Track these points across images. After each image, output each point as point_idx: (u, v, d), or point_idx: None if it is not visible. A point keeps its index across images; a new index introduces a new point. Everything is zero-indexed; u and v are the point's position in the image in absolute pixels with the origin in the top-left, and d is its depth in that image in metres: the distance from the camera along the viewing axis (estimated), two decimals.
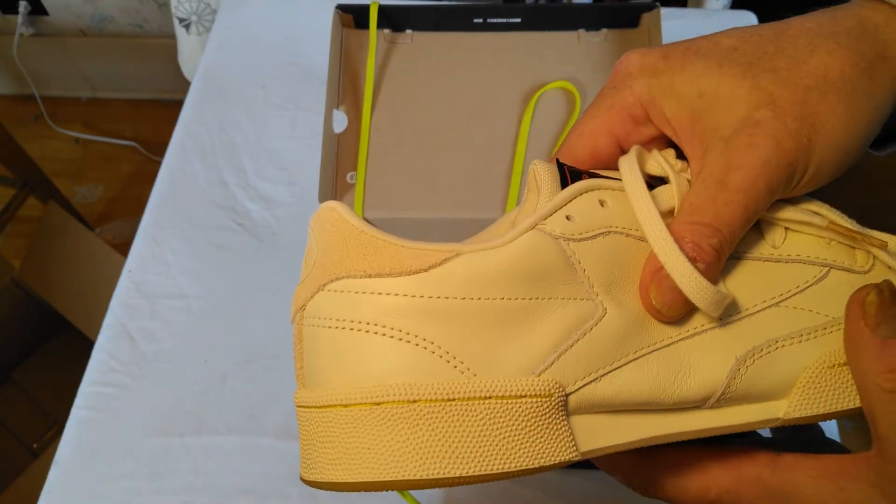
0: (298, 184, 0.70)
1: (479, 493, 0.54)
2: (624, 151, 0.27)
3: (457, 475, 0.22)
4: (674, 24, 0.74)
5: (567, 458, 0.23)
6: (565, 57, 0.60)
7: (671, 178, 0.25)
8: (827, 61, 0.24)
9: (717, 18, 0.79)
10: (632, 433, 0.24)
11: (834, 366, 0.24)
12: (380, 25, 0.61)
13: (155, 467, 0.56)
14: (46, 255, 1.08)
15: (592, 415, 0.24)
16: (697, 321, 0.24)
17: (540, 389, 0.23)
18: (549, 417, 0.23)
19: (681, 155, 0.27)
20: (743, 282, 0.25)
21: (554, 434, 0.23)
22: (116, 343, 0.62)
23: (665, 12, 0.61)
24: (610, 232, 0.24)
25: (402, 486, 0.22)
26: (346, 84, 0.60)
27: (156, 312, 0.63)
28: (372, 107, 0.59)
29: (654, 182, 0.26)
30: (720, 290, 0.23)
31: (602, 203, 0.25)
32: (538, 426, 0.23)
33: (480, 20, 0.61)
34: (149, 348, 0.61)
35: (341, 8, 0.59)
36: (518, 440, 0.22)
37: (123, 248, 0.72)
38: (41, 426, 1.00)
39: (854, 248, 0.26)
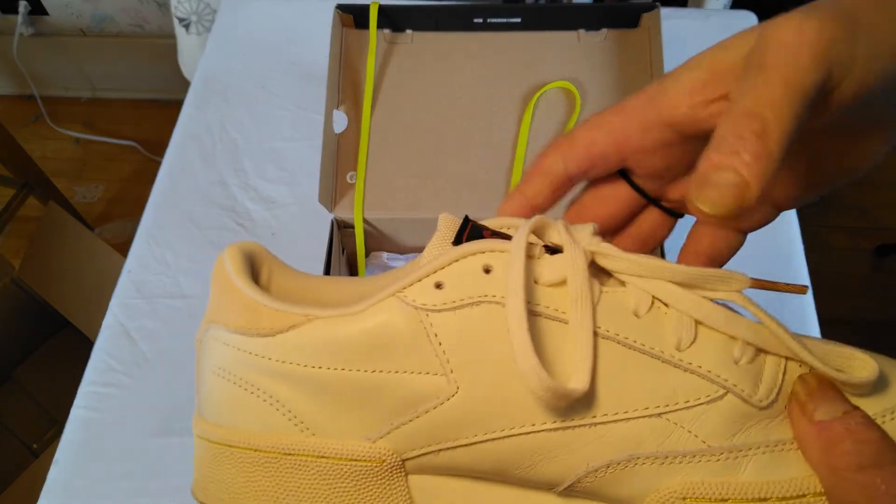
0: (298, 184, 0.70)
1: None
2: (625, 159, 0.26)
3: None
4: (674, 24, 0.74)
5: None
6: (565, 57, 0.60)
7: (567, 248, 0.23)
8: None
9: (718, 18, 0.79)
10: (476, 501, 0.24)
11: (686, 498, 0.22)
12: (380, 25, 0.61)
13: (155, 467, 0.56)
14: (46, 255, 1.08)
15: (434, 476, 0.24)
16: (567, 412, 0.22)
17: (372, 455, 0.23)
18: (383, 479, 0.24)
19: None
20: (634, 379, 0.23)
21: (387, 493, 0.24)
22: (116, 343, 0.62)
23: (665, 12, 0.61)
24: (483, 302, 0.22)
25: None
26: (346, 84, 0.60)
27: (156, 312, 0.63)
28: (372, 107, 0.59)
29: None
30: (564, 387, 0.21)
31: (487, 269, 0.23)
32: (370, 486, 0.24)
33: (480, 20, 0.61)
34: (149, 348, 0.61)
35: (341, 8, 0.59)
36: (350, 497, 0.24)
37: (123, 248, 0.72)
38: (41, 426, 1.00)
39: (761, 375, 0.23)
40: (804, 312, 0.62)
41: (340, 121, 0.58)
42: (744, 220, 0.28)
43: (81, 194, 1.59)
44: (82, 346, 0.67)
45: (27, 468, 0.96)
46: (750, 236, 0.69)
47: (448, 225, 0.25)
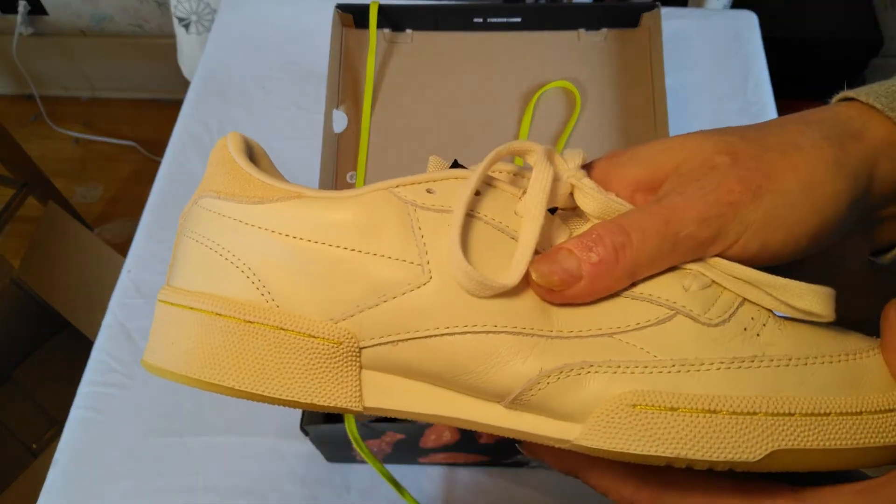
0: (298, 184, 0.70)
1: (478, 492, 0.54)
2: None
3: (230, 386, 0.24)
4: (674, 24, 0.74)
5: (346, 405, 0.24)
6: (565, 57, 0.60)
7: (536, 167, 0.25)
8: (795, 131, 0.23)
9: (718, 18, 0.79)
10: (423, 404, 0.25)
11: (636, 406, 0.22)
12: (380, 25, 0.61)
13: (155, 467, 0.56)
14: (46, 255, 1.08)
15: (387, 374, 0.25)
16: (526, 321, 0.23)
17: (330, 335, 0.24)
18: (337, 363, 0.24)
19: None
20: (588, 307, 0.24)
21: (338, 379, 0.24)
22: (116, 343, 0.62)
23: (665, 12, 0.61)
24: (471, 216, 0.24)
25: (184, 382, 0.24)
26: (346, 84, 0.60)
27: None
28: (372, 107, 0.59)
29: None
30: (486, 277, 0.22)
31: (477, 192, 0.25)
32: (323, 367, 0.24)
33: (480, 20, 0.61)
34: None
35: (341, 8, 0.59)
36: (300, 374, 0.24)
37: (123, 248, 0.72)
38: (41, 426, 1.00)
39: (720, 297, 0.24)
40: None
41: (340, 121, 0.58)
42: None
43: (81, 194, 1.59)
44: (82, 346, 0.67)
45: (27, 468, 0.96)
46: None
47: (437, 165, 0.27)
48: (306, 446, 0.56)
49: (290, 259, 0.24)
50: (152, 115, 1.69)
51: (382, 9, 0.60)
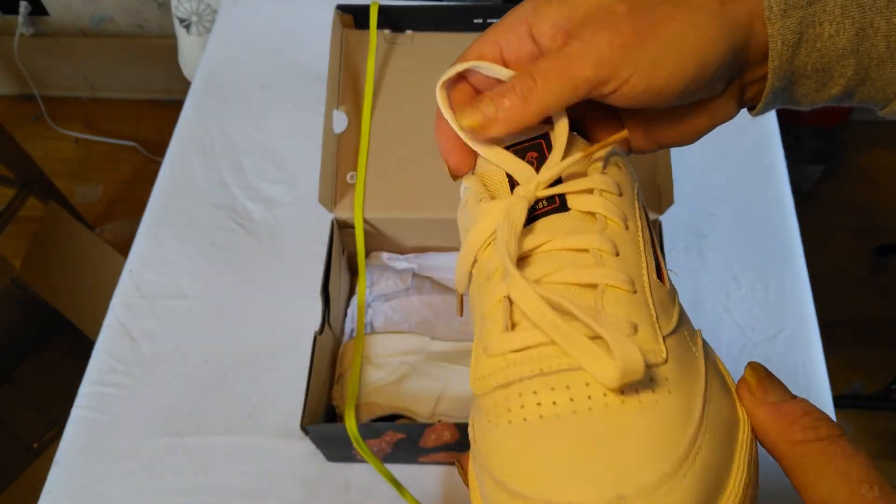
0: (298, 184, 0.70)
1: None
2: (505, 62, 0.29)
3: None
4: None
5: None
6: None
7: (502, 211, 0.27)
8: None
9: None
10: None
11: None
12: (380, 25, 0.61)
13: (155, 467, 0.56)
14: (46, 255, 1.08)
15: None
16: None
17: None
18: None
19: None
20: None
21: None
22: (117, 343, 0.62)
23: None
24: None
25: None
26: (346, 84, 0.60)
27: (156, 312, 0.63)
28: (372, 107, 0.59)
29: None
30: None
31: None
32: None
33: (480, 20, 0.61)
34: (149, 348, 0.61)
35: (341, 8, 0.59)
36: None
37: (123, 248, 0.72)
38: (41, 426, 1.00)
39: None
40: (804, 312, 0.62)
41: (340, 121, 0.58)
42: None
43: (81, 194, 1.59)
44: (82, 346, 0.67)
45: (27, 468, 0.96)
46: (751, 236, 0.70)
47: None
48: (306, 446, 0.56)
49: None
50: (152, 116, 1.69)
51: (382, 9, 0.60)
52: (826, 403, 0.58)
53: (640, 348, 0.22)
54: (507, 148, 0.29)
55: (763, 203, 0.68)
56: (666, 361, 0.23)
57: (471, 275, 0.28)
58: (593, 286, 0.24)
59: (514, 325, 0.24)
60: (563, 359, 0.22)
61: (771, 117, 0.73)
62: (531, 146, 0.29)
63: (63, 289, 1.04)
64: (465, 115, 0.27)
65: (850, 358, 1.25)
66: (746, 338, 0.61)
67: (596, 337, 0.22)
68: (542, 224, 0.26)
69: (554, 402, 0.22)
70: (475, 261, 0.27)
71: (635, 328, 0.23)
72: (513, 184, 0.28)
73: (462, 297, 0.30)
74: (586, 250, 0.25)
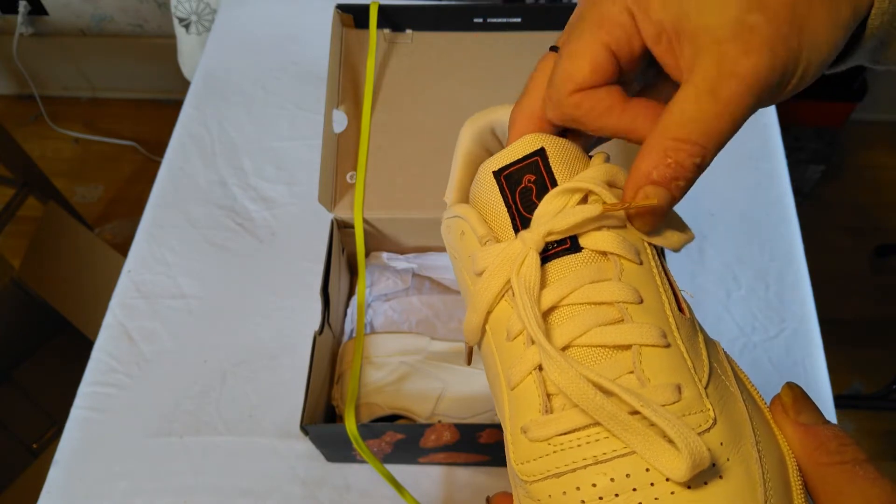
0: (298, 184, 0.70)
1: (478, 492, 0.54)
2: (621, 65, 0.26)
3: None
4: None
5: None
6: None
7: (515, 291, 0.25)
8: None
9: None
10: None
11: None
12: (380, 25, 0.61)
13: (155, 467, 0.56)
14: (46, 255, 1.08)
15: None
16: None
17: None
18: None
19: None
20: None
21: None
22: (116, 343, 0.62)
23: None
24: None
25: None
26: (346, 84, 0.60)
27: (156, 312, 0.63)
28: (372, 107, 0.59)
29: None
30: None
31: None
32: None
33: (480, 20, 0.61)
34: (149, 348, 0.61)
35: (341, 8, 0.59)
36: None
37: (123, 247, 0.72)
38: (41, 426, 1.00)
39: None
40: (804, 312, 0.62)
41: (340, 121, 0.58)
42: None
43: (81, 194, 1.59)
44: (82, 346, 0.67)
45: (27, 468, 0.96)
46: (751, 236, 0.69)
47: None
48: (306, 446, 0.56)
49: None
50: (152, 115, 1.69)
51: (382, 9, 0.60)
52: (826, 403, 0.58)
53: (690, 413, 0.22)
54: (501, 169, 0.27)
55: (763, 203, 0.68)
56: (716, 422, 0.22)
57: (484, 329, 0.26)
58: (626, 347, 0.23)
59: (549, 397, 0.24)
60: (614, 442, 0.22)
61: (771, 117, 0.73)
62: (526, 166, 0.26)
63: (62, 289, 1.04)
64: (637, 195, 0.25)
65: (850, 358, 1.25)
66: (746, 338, 0.61)
67: (635, 412, 0.21)
68: (557, 269, 0.25)
69: (616, 495, 0.21)
70: (488, 313, 0.26)
71: (679, 390, 0.23)
72: (515, 225, 0.26)
73: (472, 348, 0.29)
74: (610, 303, 0.24)
